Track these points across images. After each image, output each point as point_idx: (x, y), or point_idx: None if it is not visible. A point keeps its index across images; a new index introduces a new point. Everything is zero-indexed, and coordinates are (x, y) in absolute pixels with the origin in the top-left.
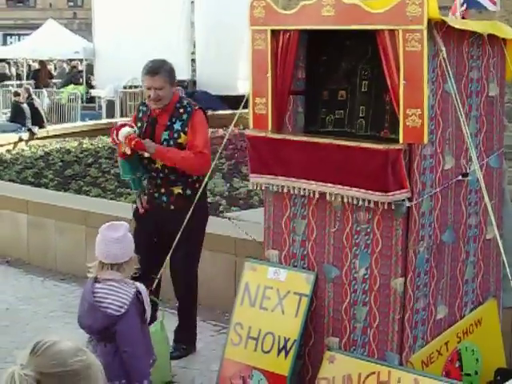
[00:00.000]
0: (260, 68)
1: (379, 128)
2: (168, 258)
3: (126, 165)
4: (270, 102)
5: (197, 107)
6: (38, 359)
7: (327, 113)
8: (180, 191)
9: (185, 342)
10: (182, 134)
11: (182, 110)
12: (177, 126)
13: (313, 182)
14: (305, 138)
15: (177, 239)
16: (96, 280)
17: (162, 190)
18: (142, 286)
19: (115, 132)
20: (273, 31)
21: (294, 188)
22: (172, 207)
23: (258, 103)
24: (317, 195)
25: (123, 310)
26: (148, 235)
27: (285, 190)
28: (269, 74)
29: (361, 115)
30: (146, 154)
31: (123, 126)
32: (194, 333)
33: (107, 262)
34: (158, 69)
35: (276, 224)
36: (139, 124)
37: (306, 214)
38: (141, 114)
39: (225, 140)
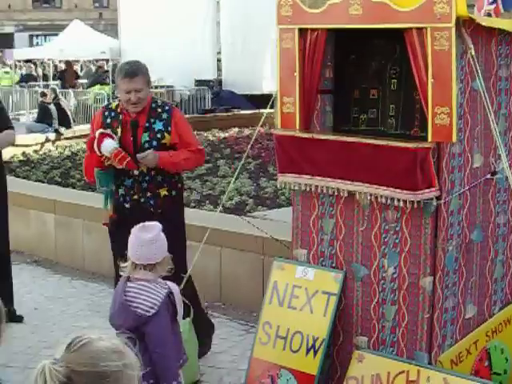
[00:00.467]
0: (288, 67)
1: (409, 127)
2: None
3: (104, 175)
4: (298, 101)
5: (172, 105)
6: (72, 356)
7: (360, 112)
8: (166, 193)
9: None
10: (165, 134)
11: (159, 110)
12: (158, 126)
13: (341, 181)
14: (333, 137)
15: None
16: (128, 279)
17: (148, 194)
18: (174, 287)
19: (96, 143)
20: (300, 30)
21: (322, 187)
22: (159, 211)
23: (285, 102)
24: (345, 194)
25: (153, 311)
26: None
27: (313, 189)
28: (296, 73)
29: (391, 114)
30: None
31: (104, 136)
32: (205, 326)
33: (139, 263)
34: (137, 70)
35: (304, 223)
36: (112, 131)
37: (334, 213)
38: (109, 120)
39: (252, 139)
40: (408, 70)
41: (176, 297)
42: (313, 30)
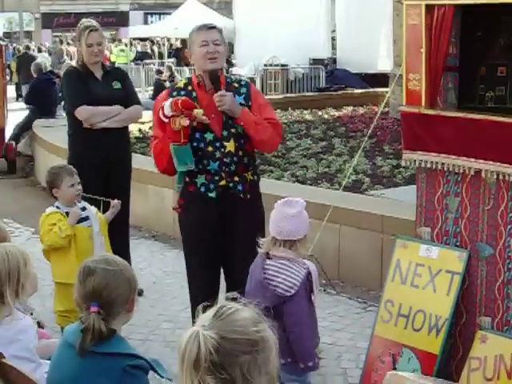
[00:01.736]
0: (414, 43)
1: None
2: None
3: (181, 150)
4: (424, 78)
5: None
6: (221, 323)
7: (486, 89)
8: (251, 177)
9: None
10: (247, 109)
11: (236, 84)
12: (239, 99)
13: (467, 159)
14: (460, 114)
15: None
16: (267, 256)
17: (236, 178)
18: (312, 266)
19: (161, 110)
20: (427, 6)
21: (447, 164)
22: (248, 196)
23: (411, 79)
24: (471, 172)
25: (293, 291)
26: (211, 226)
27: (438, 167)
28: (423, 50)
29: None
30: (204, 120)
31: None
32: None
33: (280, 238)
34: (212, 24)
35: (428, 201)
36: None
37: (459, 192)
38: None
39: (376, 118)
40: None
41: (314, 277)
42: (440, 5)
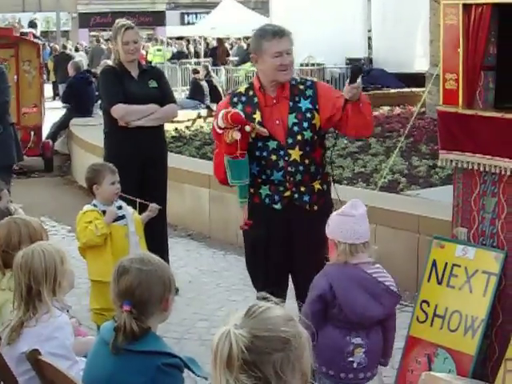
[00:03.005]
0: (451, 43)
1: None
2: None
3: (235, 164)
4: (461, 78)
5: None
6: (253, 322)
7: None
8: (319, 186)
9: None
10: (315, 113)
11: (301, 87)
12: (304, 104)
13: (505, 159)
14: (497, 114)
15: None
16: (355, 265)
17: (302, 189)
18: None
19: (214, 120)
20: (465, 5)
21: (484, 165)
22: (316, 207)
23: (448, 79)
24: (508, 172)
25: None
26: (277, 244)
27: (475, 167)
28: (460, 49)
29: None
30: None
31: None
32: None
33: (359, 242)
34: (283, 29)
35: (465, 201)
36: (247, 117)
37: (496, 192)
38: (240, 106)
39: (412, 118)
40: None
41: None
42: (477, 5)
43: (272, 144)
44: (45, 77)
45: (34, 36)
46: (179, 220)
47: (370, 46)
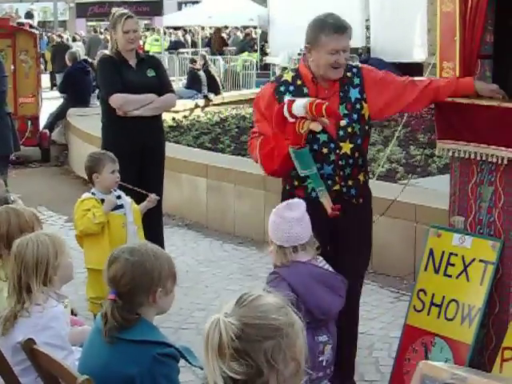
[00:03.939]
0: (448, 31)
1: None
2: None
3: (302, 155)
4: (458, 66)
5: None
6: (243, 310)
7: None
8: (363, 178)
9: None
10: (363, 103)
11: (349, 74)
12: (354, 93)
13: (502, 148)
14: (494, 103)
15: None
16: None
17: (350, 182)
18: None
19: (286, 108)
20: None
21: (481, 154)
22: (361, 200)
23: (445, 67)
24: (505, 161)
25: None
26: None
27: (472, 156)
28: (457, 38)
29: None
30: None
31: (293, 101)
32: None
33: (300, 243)
34: (345, 24)
35: (462, 190)
36: None
37: (493, 181)
38: (288, 96)
39: None
40: None
41: None
42: None
43: (323, 137)
44: (42, 67)
45: (31, 26)
46: (176, 209)
47: (368, 36)
